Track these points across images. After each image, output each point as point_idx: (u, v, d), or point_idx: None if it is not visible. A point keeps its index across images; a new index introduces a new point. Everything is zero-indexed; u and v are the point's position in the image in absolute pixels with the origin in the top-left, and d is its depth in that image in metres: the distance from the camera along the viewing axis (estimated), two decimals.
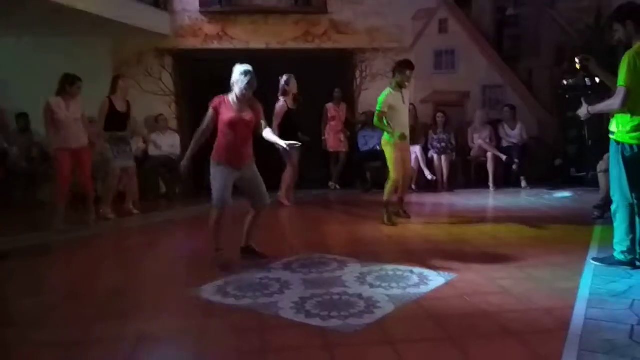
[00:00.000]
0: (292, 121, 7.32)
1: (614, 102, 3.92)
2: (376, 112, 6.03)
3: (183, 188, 8.64)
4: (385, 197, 6.12)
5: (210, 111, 4.42)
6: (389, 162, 6.09)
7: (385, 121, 5.99)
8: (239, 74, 4.36)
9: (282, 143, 4.61)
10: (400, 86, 6.11)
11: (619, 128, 3.98)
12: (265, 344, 2.93)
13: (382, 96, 6.02)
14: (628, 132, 3.92)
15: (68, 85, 6.15)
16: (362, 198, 8.17)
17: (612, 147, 4.07)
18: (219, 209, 4.43)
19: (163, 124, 8.75)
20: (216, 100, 4.42)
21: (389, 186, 6.10)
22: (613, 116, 4.06)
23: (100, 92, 6.88)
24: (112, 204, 6.92)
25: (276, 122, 7.17)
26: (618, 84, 3.86)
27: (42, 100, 6.21)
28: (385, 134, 6.08)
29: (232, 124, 4.37)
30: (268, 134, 4.67)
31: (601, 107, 4.24)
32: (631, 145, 3.92)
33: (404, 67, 6.14)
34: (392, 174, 6.07)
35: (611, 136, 4.06)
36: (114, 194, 7.02)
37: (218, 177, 4.40)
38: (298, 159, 7.51)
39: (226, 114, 4.37)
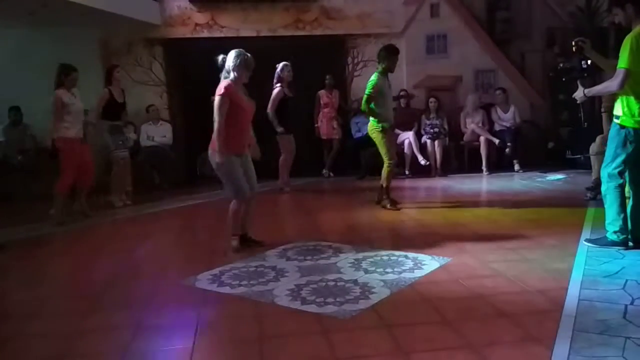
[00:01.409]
0: (288, 109, 7.35)
1: (612, 83, 3.90)
2: (365, 95, 6.00)
3: (174, 178, 8.63)
4: (384, 183, 6.12)
5: (224, 99, 4.24)
6: (381, 147, 6.08)
7: (372, 105, 5.98)
8: (233, 59, 4.34)
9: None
10: (388, 71, 6.10)
11: (624, 111, 3.94)
12: (262, 332, 2.93)
13: (372, 80, 5.98)
14: (634, 117, 3.89)
15: (64, 75, 6.08)
16: (357, 185, 8.17)
17: (614, 130, 4.03)
18: (241, 199, 4.46)
19: (154, 114, 8.71)
20: (226, 88, 4.27)
21: (386, 171, 6.09)
22: (616, 100, 4.04)
23: (90, 82, 6.86)
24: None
25: (272, 107, 7.23)
26: (618, 66, 3.84)
27: (32, 92, 6.16)
28: (372, 120, 6.06)
29: (244, 112, 4.37)
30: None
31: (599, 89, 4.23)
32: (635, 130, 3.90)
33: (391, 52, 6.12)
34: (387, 157, 6.06)
35: (616, 120, 4.01)
36: (124, 182, 7.13)
37: (233, 169, 4.36)
38: (294, 146, 7.55)
39: (238, 102, 4.32)
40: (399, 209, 6.05)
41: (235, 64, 4.34)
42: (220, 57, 4.43)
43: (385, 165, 6.09)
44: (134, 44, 8.92)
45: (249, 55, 4.41)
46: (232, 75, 4.35)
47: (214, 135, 4.29)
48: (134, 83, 8.75)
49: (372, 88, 5.93)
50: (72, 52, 7.57)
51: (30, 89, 6.28)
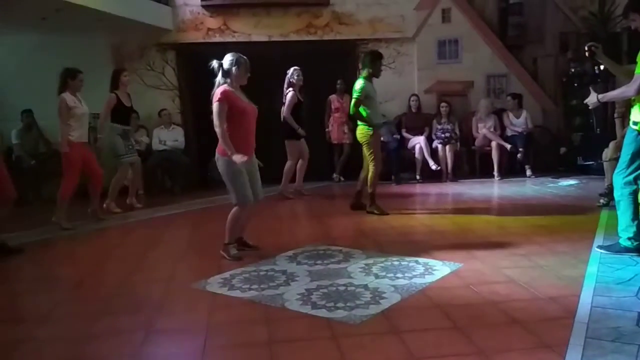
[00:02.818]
0: (299, 113, 7.38)
1: (629, 89, 3.85)
2: (354, 99, 6.05)
3: (185, 182, 8.67)
4: (370, 190, 6.20)
5: (222, 106, 4.26)
6: (369, 152, 6.13)
7: (361, 109, 6.03)
8: (231, 61, 4.36)
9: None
10: (373, 76, 6.19)
11: None
12: (272, 336, 2.93)
13: (361, 84, 6.05)
14: None
15: (70, 79, 6.06)
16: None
17: (631, 137, 3.98)
18: (243, 206, 4.44)
19: (166, 118, 8.75)
20: (223, 93, 4.29)
21: (371, 177, 6.15)
22: (632, 106, 3.99)
23: (103, 87, 6.88)
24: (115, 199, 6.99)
25: (288, 111, 7.28)
26: (636, 72, 3.80)
27: (47, 96, 6.20)
28: (362, 125, 6.11)
29: (246, 113, 4.36)
30: None
31: (614, 94, 4.20)
32: None
33: (375, 57, 6.23)
34: (372, 164, 6.12)
35: (634, 127, 3.95)
36: (120, 189, 7.08)
37: (237, 173, 4.33)
38: (307, 151, 7.61)
39: (239, 104, 4.32)
40: (387, 213, 6.12)
41: (232, 67, 4.35)
42: (215, 63, 4.40)
43: (371, 171, 6.14)
44: (146, 48, 8.98)
45: (244, 57, 4.43)
46: (229, 78, 4.37)
47: (220, 141, 4.30)
48: (146, 87, 8.82)
49: (361, 92, 6.00)
50: (84, 57, 7.64)
51: (43, 93, 6.33)
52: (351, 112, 6.18)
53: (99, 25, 7.85)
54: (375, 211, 6.15)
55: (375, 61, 6.18)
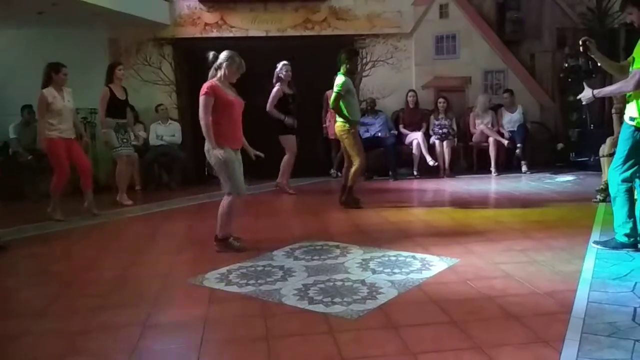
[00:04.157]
0: (287, 107, 7.34)
1: (627, 84, 3.83)
2: (335, 93, 6.16)
3: (182, 177, 8.67)
4: (350, 183, 6.32)
5: (208, 99, 4.33)
6: (351, 147, 6.25)
7: (341, 104, 6.13)
8: (226, 57, 4.44)
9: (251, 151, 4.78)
10: (351, 73, 6.35)
11: None
12: (269, 331, 2.94)
13: (342, 80, 6.15)
14: None
15: (53, 73, 6.04)
16: (364, 185, 8.16)
17: (627, 132, 3.95)
18: (238, 197, 4.49)
19: (163, 113, 8.74)
20: (209, 87, 4.36)
21: (354, 171, 6.26)
22: (629, 101, 3.98)
23: (100, 81, 6.88)
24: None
25: (271, 105, 7.26)
26: (635, 67, 3.78)
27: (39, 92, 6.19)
28: (341, 121, 6.20)
29: (232, 106, 4.42)
30: None
31: (611, 89, 4.19)
32: None
33: (351, 55, 6.38)
34: (356, 158, 6.22)
35: (631, 122, 3.93)
36: (126, 181, 7.18)
37: (230, 164, 4.39)
38: (297, 145, 7.56)
39: (225, 97, 4.38)
40: (361, 207, 6.26)
41: (226, 63, 4.42)
42: (211, 54, 4.49)
43: (355, 166, 6.23)
44: (143, 43, 8.97)
45: (240, 58, 4.50)
46: (220, 72, 4.43)
47: (204, 134, 4.36)
48: (143, 82, 8.80)
49: (342, 86, 6.11)
50: (81, 51, 7.64)
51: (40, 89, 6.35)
52: (331, 106, 6.30)
53: (95, 20, 7.83)
54: (352, 204, 6.27)
55: (352, 58, 6.33)
